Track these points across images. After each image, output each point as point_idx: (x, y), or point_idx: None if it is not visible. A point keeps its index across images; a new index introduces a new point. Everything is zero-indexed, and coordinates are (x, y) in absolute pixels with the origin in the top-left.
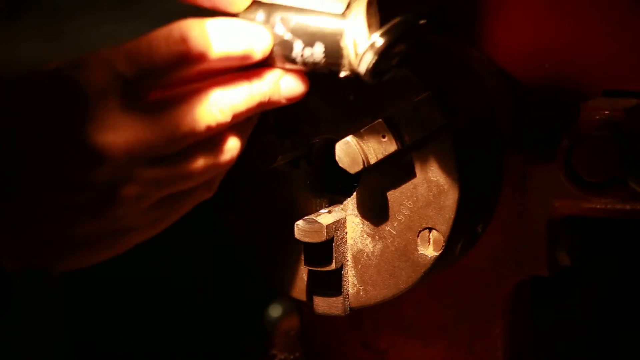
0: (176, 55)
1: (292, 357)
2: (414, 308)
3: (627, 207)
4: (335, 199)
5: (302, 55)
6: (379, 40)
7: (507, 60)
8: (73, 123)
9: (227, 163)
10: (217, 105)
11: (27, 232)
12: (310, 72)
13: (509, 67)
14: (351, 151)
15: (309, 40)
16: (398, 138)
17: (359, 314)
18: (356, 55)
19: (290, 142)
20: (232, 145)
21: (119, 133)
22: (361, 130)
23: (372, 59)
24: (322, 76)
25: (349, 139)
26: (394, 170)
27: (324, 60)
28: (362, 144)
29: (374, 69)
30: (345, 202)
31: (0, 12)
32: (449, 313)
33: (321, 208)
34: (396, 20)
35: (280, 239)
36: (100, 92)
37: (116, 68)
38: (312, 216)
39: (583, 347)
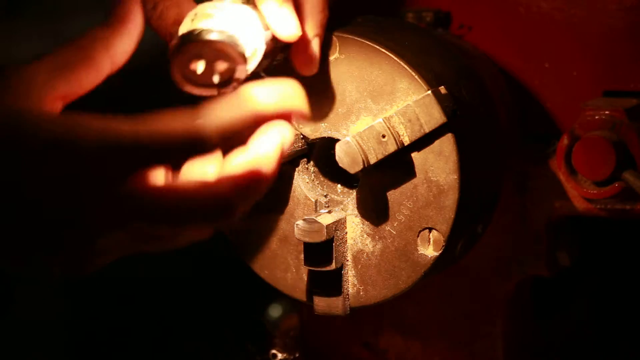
0: (190, 145)
1: (292, 357)
2: (414, 308)
3: (627, 207)
4: (335, 199)
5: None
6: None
7: (507, 59)
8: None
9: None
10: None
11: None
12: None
13: (509, 66)
14: (351, 151)
15: None
16: (398, 138)
17: (359, 314)
18: None
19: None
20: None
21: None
22: (361, 130)
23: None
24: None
25: (349, 139)
26: (394, 170)
27: None
28: (362, 144)
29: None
30: (345, 202)
31: (0, 11)
32: (449, 313)
33: (321, 208)
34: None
35: (280, 238)
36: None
37: (136, 156)
38: (312, 216)
39: (583, 347)
